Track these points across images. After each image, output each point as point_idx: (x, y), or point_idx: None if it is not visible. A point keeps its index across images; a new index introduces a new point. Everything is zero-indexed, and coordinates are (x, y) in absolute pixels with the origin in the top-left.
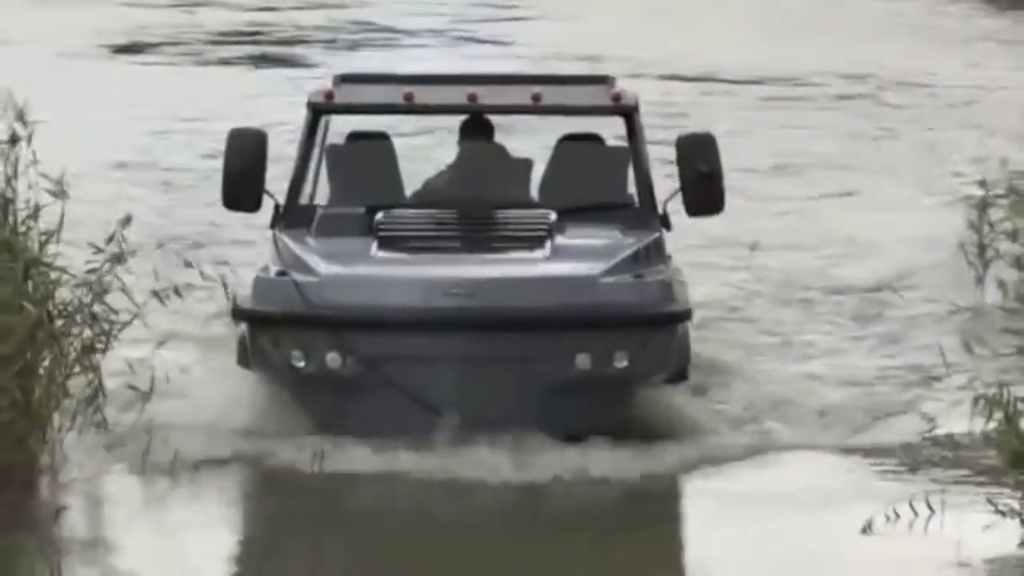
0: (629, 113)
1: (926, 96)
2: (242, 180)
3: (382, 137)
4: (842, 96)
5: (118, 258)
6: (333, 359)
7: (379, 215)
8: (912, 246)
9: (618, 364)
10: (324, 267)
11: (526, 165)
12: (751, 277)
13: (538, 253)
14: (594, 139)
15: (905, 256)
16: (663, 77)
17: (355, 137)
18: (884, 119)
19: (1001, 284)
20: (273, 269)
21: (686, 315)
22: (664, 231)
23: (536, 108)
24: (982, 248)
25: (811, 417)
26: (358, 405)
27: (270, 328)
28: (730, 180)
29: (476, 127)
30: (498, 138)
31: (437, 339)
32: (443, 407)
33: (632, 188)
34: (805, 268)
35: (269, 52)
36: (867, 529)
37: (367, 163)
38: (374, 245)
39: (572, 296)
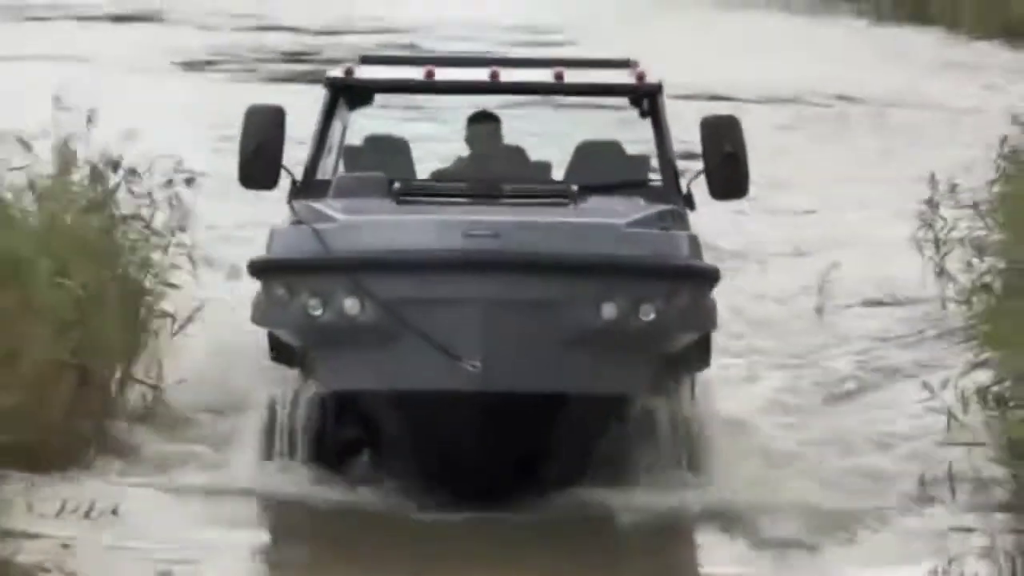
0: (653, 93)
1: (912, 115)
2: (259, 157)
3: (399, 139)
4: (838, 115)
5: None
6: (352, 305)
7: (396, 183)
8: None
9: (644, 317)
10: (342, 215)
11: (545, 165)
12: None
13: (563, 208)
14: (613, 144)
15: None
16: (677, 97)
17: (372, 139)
18: (879, 137)
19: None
20: (289, 221)
21: (714, 274)
22: (687, 210)
23: (558, 87)
24: (937, 243)
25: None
26: (376, 355)
27: (286, 276)
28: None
29: (482, 118)
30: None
31: (459, 281)
32: (463, 354)
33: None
34: (801, 277)
35: (323, 70)
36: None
37: (383, 159)
38: (392, 202)
39: (597, 243)
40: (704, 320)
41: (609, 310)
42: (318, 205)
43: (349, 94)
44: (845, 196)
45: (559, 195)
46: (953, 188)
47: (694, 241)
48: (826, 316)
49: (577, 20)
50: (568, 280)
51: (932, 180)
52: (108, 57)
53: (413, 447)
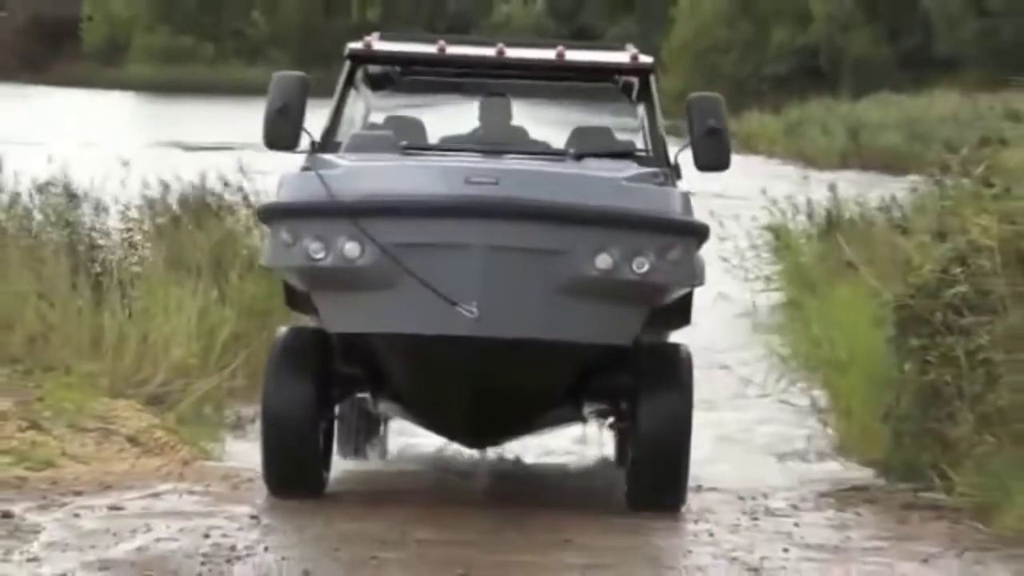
0: (646, 71)
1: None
2: (282, 119)
3: (415, 119)
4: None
5: None
6: (352, 248)
7: (404, 142)
8: None
9: (638, 268)
10: (347, 162)
11: (544, 143)
12: None
13: (562, 163)
14: (605, 128)
15: None
16: None
17: (391, 118)
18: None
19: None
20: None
21: (705, 230)
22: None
23: (561, 64)
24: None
25: None
26: (375, 299)
27: (290, 220)
28: None
29: (494, 95)
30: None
31: (457, 226)
32: (460, 299)
33: (645, 145)
34: None
35: None
36: None
37: (400, 133)
38: (399, 153)
39: (596, 195)
40: (693, 275)
41: (604, 260)
42: (328, 156)
43: (368, 66)
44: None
45: (559, 154)
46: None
47: (686, 198)
48: None
49: None
50: (565, 229)
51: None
52: None
53: (410, 390)
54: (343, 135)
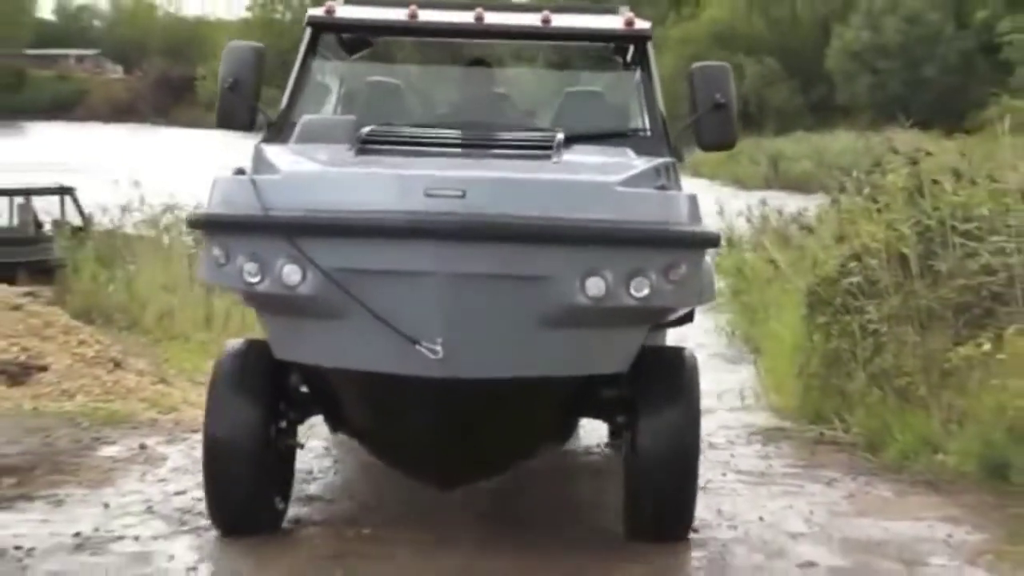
0: (642, 38)
1: None
2: (235, 95)
3: (394, 85)
4: None
5: None
6: (291, 273)
7: (367, 128)
8: None
9: (636, 293)
10: (288, 165)
11: (530, 112)
12: None
13: (544, 163)
14: (599, 92)
15: None
16: None
17: (370, 84)
18: None
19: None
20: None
21: (716, 240)
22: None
23: (546, 31)
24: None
25: None
26: (322, 330)
27: (220, 235)
28: None
29: (475, 63)
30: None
31: (416, 250)
32: (421, 335)
33: (643, 123)
34: None
35: None
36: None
37: (374, 102)
38: (351, 152)
39: (585, 206)
40: (701, 293)
41: (595, 286)
42: (271, 151)
43: (331, 34)
44: None
45: (542, 145)
46: None
47: (693, 201)
48: None
49: None
50: (547, 251)
51: None
52: None
53: (368, 428)
54: (302, 114)
